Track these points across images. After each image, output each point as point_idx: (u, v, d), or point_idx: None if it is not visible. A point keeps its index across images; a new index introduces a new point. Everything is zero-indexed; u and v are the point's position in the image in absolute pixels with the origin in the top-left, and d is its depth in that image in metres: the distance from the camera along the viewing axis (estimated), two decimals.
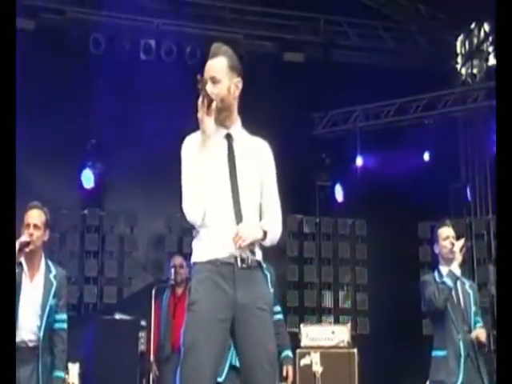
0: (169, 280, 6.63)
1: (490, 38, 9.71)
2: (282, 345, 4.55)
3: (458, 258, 4.77)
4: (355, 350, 7.09)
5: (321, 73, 9.02)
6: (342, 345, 7.16)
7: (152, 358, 6.29)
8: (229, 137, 3.10)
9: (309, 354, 6.72)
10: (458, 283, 4.80)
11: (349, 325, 7.55)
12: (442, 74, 9.76)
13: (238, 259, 2.93)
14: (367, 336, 8.81)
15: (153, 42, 8.83)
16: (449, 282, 4.69)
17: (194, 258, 2.98)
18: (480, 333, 4.75)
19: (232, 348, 4.22)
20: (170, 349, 6.36)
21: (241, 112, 9.58)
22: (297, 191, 9.22)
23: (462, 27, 9.95)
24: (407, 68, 9.51)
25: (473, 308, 4.84)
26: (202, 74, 3.02)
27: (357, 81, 8.86)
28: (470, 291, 4.90)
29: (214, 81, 3.04)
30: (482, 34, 9.82)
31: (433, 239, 5.00)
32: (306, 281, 9.27)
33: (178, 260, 6.79)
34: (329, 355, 6.81)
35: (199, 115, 2.96)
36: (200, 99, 2.95)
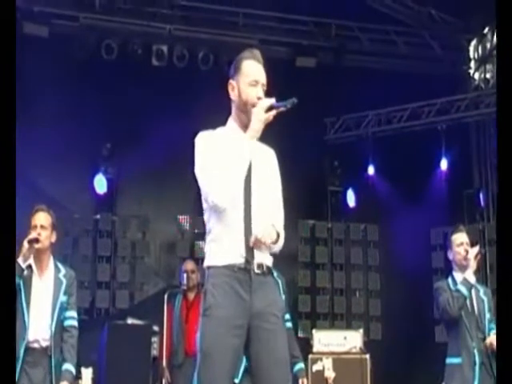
0: (181, 285, 6.64)
1: None
2: (294, 356, 4.53)
3: (473, 265, 4.74)
4: (367, 356, 7.06)
5: (333, 78, 9.01)
6: (354, 350, 7.13)
7: (165, 363, 6.29)
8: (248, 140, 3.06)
9: (321, 359, 6.70)
10: (473, 290, 4.77)
11: (361, 330, 7.52)
12: (455, 78, 9.73)
13: (255, 265, 2.90)
14: (379, 342, 8.77)
15: (165, 48, 8.85)
16: (463, 289, 4.67)
17: (209, 262, 2.95)
18: (494, 339, 4.72)
19: None
20: (183, 354, 6.36)
21: None
22: (309, 197, 9.23)
23: (475, 32, 9.91)
24: (420, 73, 9.49)
25: (487, 315, 4.80)
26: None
27: (369, 86, 8.84)
28: (485, 298, 4.87)
29: (261, 86, 3.05)
30: (495, 38, 9.78)
31: (446, 245, 4.97)
32: (318, 286, 9.26)
33: (189, 265, 6.80)
34: (341, 361, 6.79)
35: (263, 118, 2.93)
36: (265, 106, 2.92)
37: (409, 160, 8.79)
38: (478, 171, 9.60)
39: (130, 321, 6.70)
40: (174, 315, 6.47)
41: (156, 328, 6.59)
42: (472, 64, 10.04)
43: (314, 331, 7.42)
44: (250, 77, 3.02)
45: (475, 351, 4.63)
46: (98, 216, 8.85)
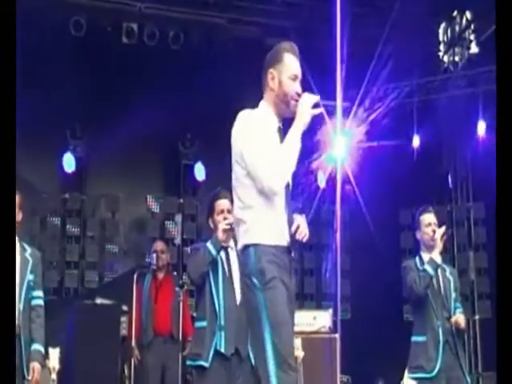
0: (150, 265, 6.63)
1: (472, 26, 9.74)
2: None
3: (439, 245, 4.82)
4: (337, 335, 7.12)
5: (304, 59, 8.98)
6: (323, 330, 7.19)
7: (134, 342, 6.29)
8: (279, 130, 3.17)
9: None
10: (439, 270, 4.84)
11: (330, 310, 7.58)
12: (425, 61, 9.78)
13: (293, 249, 3.04)
14: (349, 321, 8.85)
15: (135, 26, 8.73)
16: (429, 269, 4.74)
17: (257, 240, 2.98)
18: (459, 318, 4.81)
19: (218, 333, 4.23)
20: (152, 333, 6.37)
21: (226, 97, 9.50)
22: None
23: (445, 15, 9.96)
24: (390, 54, 9.51)
25: (453, 294, 4.89)
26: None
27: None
28: (451, 278, 4.95)
29: (299, 81, 3.18)
30: (464, 21, 9.84)
31: (415, 226, 5.04)
32: None
33: (159, 245, 6.79)
34: (310, 340, 6.81)
35: (309, 113, 3.06)
36: (311, 102, 3.06)
37: (379, 141, 8.84)
38: (447, 153, 9.69)
39: (98, 300, 6.67)
40: (143, 295, 6.46)
41: (125, 307, 6.57)
42: (441, 46, 10.09)
43: None
44: (292, 71, 3.15)
45: (440, 330, 4.71)
46: (67, 195, 8.74)
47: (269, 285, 2.93)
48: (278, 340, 2.90)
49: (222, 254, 4.36)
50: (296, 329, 7.14)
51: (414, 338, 4.87)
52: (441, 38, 10.10)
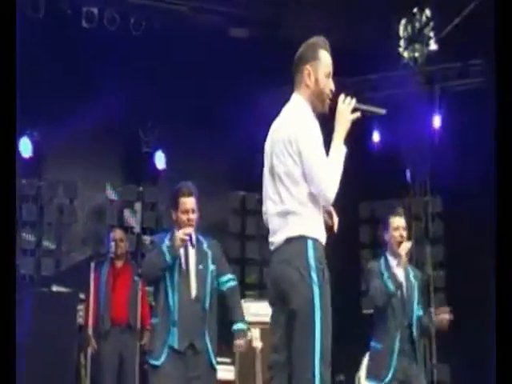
0: (108, 253, 6.55)
1: (431, 24, 9.86)
2: (237, 314, 4.57)
3: (404, 260, 4.80)
4: None
5: (266, 50, 8.97)
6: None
7: (90, 331, 6.21)
8: None
9: (249, 329, 6.72)
10: (403, 279, 4.80)
11: None
12: (386, 56, 9.86)
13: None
14: None
15: (95, 10, 8.59)
16: (391, 287, 4.69)
17: (314, 234, 3.05)
18: (442, 315, 4.87)
19: (172, 330, 4.18)
20: (109, 322, 6.29)
21: (188, 86, 9.39)
22: (239, 168, 9.22)
23: (405, 11, 10.06)
24: (352, 49, 9.55)
25: (415, 299, 4.86)
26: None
27: None
28: (415, 282, 4.92)
29: (330, 76, 3.19)
30: (424, 18, 9.95)
31: (384, 226, 5.00)
32: (247, 257, 9.28)
33: (118, 233, 6.71)
34: (269, 331, 6.82)
35: (349, 118, 3.11)
36: (351, 106, 3.10)
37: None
38: (405, 147, 9.79)
39: (55, 288, 6.57)
40: (101, 283, 6.39)
41: (82, 296, 6.49)
42: (402, 42, 10.19)
43: (242, 301, 7.42)
44: (328, 68, 3.17)
45: (397, 339, 4.69)
46: (24, 181, 8.55)
47: (325, 283, 3.02)
48: (325, 336, 2.98)
49: (181, 249, 4.31)
50: (255, 319, 7.22)
51: (372, 343, 4.88)
52: (401, 34, 10.21)
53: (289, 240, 3.05)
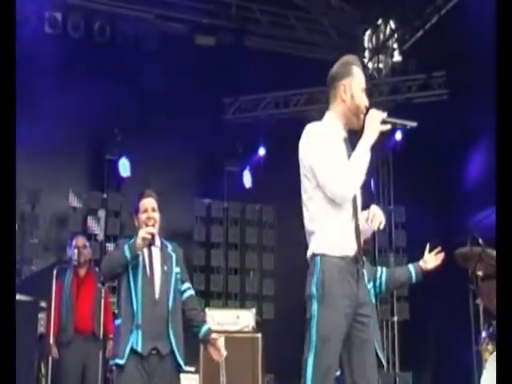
0: (71, 260, 6.45)
1: (396, 35, 10.00)
2: (201, 320, 4.53)
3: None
4: (259, 335, 7.14)
5: (232, 58, 8.99)
6: (246, 329, 7.19)
7: (52, 340, 6.11)
8: (345, 141, 3.25)
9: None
10: None
11: (254, 310, 7.59)
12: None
13: (360, 256, 3.12)
14: (272, 321, 8.89)
15: (59, 15, 8.50)
16: None
17: (324, 250, 3.08)
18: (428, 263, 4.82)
19: (135, 333, 4.13)
20: (72, 331, 6.19)
21: (152, 92, 9.29)
22: (206, 176, 9.19)
23: (370, 22, 10.19)
24: (318, 59, 9.63)
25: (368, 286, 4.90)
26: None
27: (267, 68, 8.90)
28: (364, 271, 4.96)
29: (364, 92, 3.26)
30: (388, 30, 10.09)
31: None
32: (212, 265, 9.24)
33: (81, 240, 6.61)
34: (233, 340, 6.78)
35: (378, 129, 3.14)
36: (380, 118, 3.15)
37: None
38: (370, 158, 9.88)
39: (16, 297, 6.42)
40: (64, 291, 6.29)
41: (43, 304, 6.36)
42: (366, 53, 10.30)
43: (207, 310, 7.41)
44: (362, 84, 3.25)
45: None
46: None
47: (326, 298, 3.02)
48: (321, 355, 2.98)
49: (145, 251, 4.29)
50: (219, 328, 7.20)
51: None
52: (366, 45, 10.32)
53: (309, 258, 3.17)
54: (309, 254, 3.16)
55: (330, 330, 3.00)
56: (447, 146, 8.25)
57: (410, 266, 4.90)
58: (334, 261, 3.06)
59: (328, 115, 3.28)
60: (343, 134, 3.24)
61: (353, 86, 3.22)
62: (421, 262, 4.86)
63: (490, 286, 5.03)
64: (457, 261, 5.19)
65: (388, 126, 3.16)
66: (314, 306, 3.04)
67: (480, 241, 5.01)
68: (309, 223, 3.17)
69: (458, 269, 5.23)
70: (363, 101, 3.22)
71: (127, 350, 4.10)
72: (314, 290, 3.04)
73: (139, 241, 4.15)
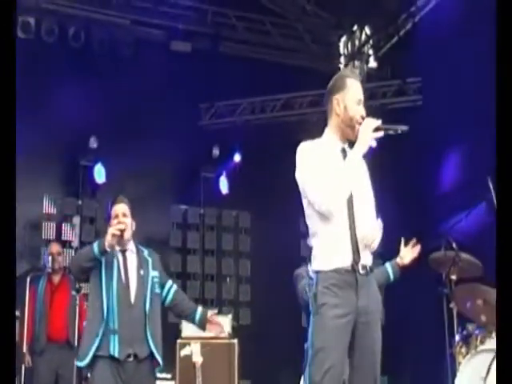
0: (45, 268, 6.39)
1: (371, 41, 10.07)
2: (193, 306, 4.57)
3: None
4: (235, 341, 7.13)
5: (208, 64, 8.99)
6: (222, 335, 7.16)
7: (25, 348, 6.04)
8: (344, 151, 3.27)
9: (189, 344, 6.66)
10: None
11: (230, 315, 7.57)
12: (327, 72, 10.00)
13: (360, 266, 3.13)
14: (248, 327, 8.88)
15: (32, 20, 8.44)
16: None
17: (318, 267, 3.16)
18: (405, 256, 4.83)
19: (112, 338, 4.11)
20: (45, 340, 6.14)
21: (128, 98, 9.17)
22: (182, 182, 9.17)
23: (345, 28, 10.25)
24: (293, 65, 9.67)
25: None
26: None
27: (243, 74, 8.92)
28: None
29: (363, 104, 3.27)
30: (364, 36, 10.16)
31: None
32: (188, 271, 9.20)
33: (55, 247, 6.56)
34: (209, 346, 6.78)
35: (370, 137, 3.15)
36: (373, 126, 3.15)
37: (279, 149, 8.94)
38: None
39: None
40: (38, 299, 6.23)
41: (17, 312, 6.28)
42: (342, 59, 10.36)
43: None
44: (357, 96, 3.25)
45: None
46: None
47: (320, 310, 3.08)
48: (316, 365, 3.04)
49: (120, 256, 4.29)
50: (195, 334, 7.16)
51: (306, 345, 4.90)
52: (341, 51, 10.38)
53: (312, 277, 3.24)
54: (310, 272, 3.24)
55: (324, 341, 3.05)
56: (420, 152, 8.31)
57: (387, 266, 4.90)
58: (328, 275, 3.12)
59: (326, 130, 3.31)
60: (340, 145, 3.26)
61: (346, 98, 3.24)
62: (398, 259, 4.86)
63: (463, 290, 5.08)
64: (431, 265, 5.23)
65: (381, 133, 3.17)
66: (311, 321, 3.12)
67: (454, 245, 5.06)
68: (310, 240, 3.25)
69: (432, 273, 5.27)
70: (358, 112, 3.22)
71: (90, 354, 4.08)
72: (310, 304, 3.14)
73: (108, 237, 4.14)
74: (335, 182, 3.08)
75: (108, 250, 4.16)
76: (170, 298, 4.43)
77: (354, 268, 3.12)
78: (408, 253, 4.85)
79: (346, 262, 3.13)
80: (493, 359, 4.48)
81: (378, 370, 3.18)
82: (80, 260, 4.26)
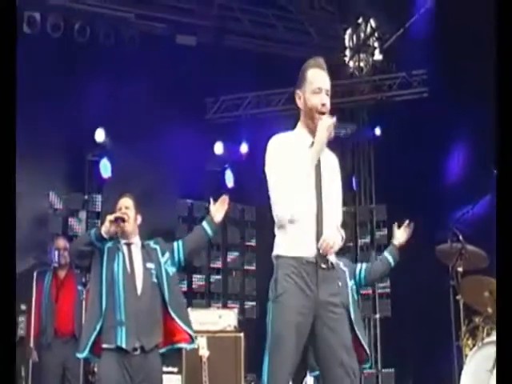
0: (52, 263, 6.41)
1: (376, 34, 10.03)
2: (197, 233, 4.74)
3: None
4: (241, 334, 7.13)
5: (213, 57, 8.97)
6: (228, 329, 7.17)
7: (32, 343, 6.06)
8: (312, 145, 3.21)
9: (196, 338, 6.70)
10: None
11: (236, 309, 7.58)
12: (332, 65, 9.96)
13: (322, 260, 3.10)
14: (254, 320, 8.89)
15: (37, 15, 8.44)
16: None
17: (279, 252, 3.14)
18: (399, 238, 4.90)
19: (119, 329, 4.14)
20: (52, 334, 6.15)
21: (133, 93, 9.18)
22: (187, 175, 9.16)
23: (350, 21, 10.21)
24: (299, 58, 9.62)
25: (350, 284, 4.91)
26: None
27: (249, 67, 8.89)
28: (345, 269, 4.98)
29: (325, 92, 3.24)
30: (369, 29, 10.12)
31: None
32: (194, 265, 9.20)
33: (61, 242, 6.56)
34: (215, 339, 6.78)
35: (327, 132, 3.12)
36: (328, 125, 3.13)
37: None
38: (351, 155, 9.91)
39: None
40: (44, 293, 6.25)
41: (23, 307, 6.32)
42: (347, 52, 10.33)
43: (189, 310, 7.38)
44: (314, 84, 3.23)
45: None
46: None
47: (279, 298, 3.06)
48: (274, 354, 3.04)
49: (125, 250, 4.33)
50: (201, 328, 7.17)
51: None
52: (347, 44, 10.35)
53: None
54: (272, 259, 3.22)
55: (281, 329, 3.04)
56: (426, 144, 8.29)
57: (385, 252, 5.02)
58: (289, 262, 3.10)
59: (298, 124, 3.31)
60: (310, 139, 3.21)
61: (304, 91, 3.23)
62: (394, 241, 4.97)
63: (470, 282, 5.08)
64: (437, 257, 5.22)
65: (332, 134, 3.17)
66: (269, 305, 3.12)
67: (460, 237, 5.05)
68: (276, 230, 3.21)
69: (439, 265, 5.27)
70: (316, 102, 3.19)
71: (89, 344, 4.14)
72: (269, 291, 3.12)
73: (106, 223, 4.23)
74: (296, 189, 3.07)
75: (105, 235, 4.21)
76: (182, 253, 4.50)
77: (316, 260, 3.10)
78: (402, 233, 4.98)
79: (308, 252, 3.11)
80: None
81: (347, 368, 3.06)
82: (78, 244, 4.39)
